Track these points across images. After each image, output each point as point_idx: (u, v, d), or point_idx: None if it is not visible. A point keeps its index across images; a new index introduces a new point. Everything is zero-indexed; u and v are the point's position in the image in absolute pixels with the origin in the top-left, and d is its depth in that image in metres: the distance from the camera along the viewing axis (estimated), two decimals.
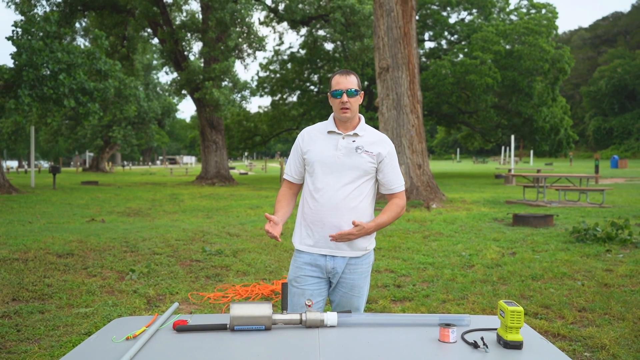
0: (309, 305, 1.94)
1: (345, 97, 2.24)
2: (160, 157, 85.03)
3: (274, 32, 28.33)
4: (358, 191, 2.27)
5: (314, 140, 2.33)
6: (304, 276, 2.32)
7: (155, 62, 42.04)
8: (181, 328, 1.84)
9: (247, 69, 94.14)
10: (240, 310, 1.84)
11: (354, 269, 2.32)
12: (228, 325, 1.84)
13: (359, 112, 2.36)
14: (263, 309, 1.85)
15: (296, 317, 1.89)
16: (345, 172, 2.25)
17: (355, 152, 2.26)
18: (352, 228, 2.18)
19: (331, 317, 1.88)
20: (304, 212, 2.35)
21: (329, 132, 2.31)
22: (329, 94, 2.31)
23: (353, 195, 2.26)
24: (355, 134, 2.29)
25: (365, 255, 2.35)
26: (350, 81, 2.25)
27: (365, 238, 2.30)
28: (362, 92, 2.31)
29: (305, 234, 2.33)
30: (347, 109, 2.25)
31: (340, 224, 2.24)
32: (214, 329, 1.86)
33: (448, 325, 1.76)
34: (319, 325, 1.88)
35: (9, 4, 21.12)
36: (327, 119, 2.39)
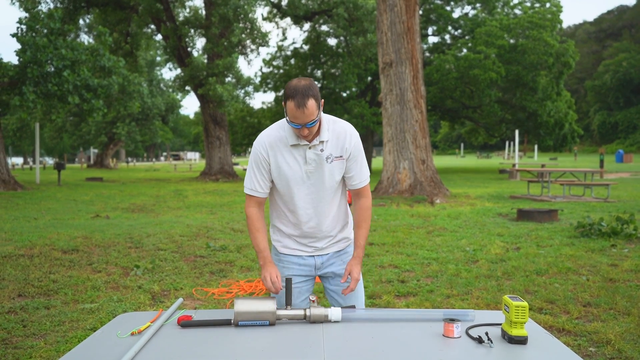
0: (313, 301, 1.94)
1: (305, 131, 1.99)
2: (164, 153, 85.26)
3: (277, 28, 28.28)
4: (335, 197, 2.21)
5: (279, 153, 2.10)
6: (290, 265, 2.28)
7: (158, 58, 42.06)
8: (186, 323, 1.85)
9: (250, 65, 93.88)
10: (245, 305, 1.84)
11: (345, 258, 2.30)
12: (232, 321, 1.85)
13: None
14: (267, 305, 1.85)
15: (300, 312, 1.89)
16: (319, 186, 2.13)
17: (326, 163, 2.10)
18: (351, 283, 2.13)
19: (335, 313, 1.88)
20: (282, 224, 2.25)
21: (293, 145, 2.08)
22: (285, 110, 1.99)
23: (332, 203, 2.21)
24: (321, 142, 2.08)
25: (350, 244, 2.33)
26: (308, 114, 1.93)
27: (344, 230, 2.29)
28: (322, 100, 2.04)
29: (290, 241, 2.27)
30: (307, 136, 2.03)
31: (322, 231, 2.22)
32: (219, 324, 1.86)
33: (452, 320, 1.75)
34: (323, 320, 1.88)
35: (14, 1, 21.15)
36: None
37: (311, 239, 2.23)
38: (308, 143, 2.07)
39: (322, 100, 2.04)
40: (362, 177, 2.19)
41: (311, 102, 1.92)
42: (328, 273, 2.28)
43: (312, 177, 2.12)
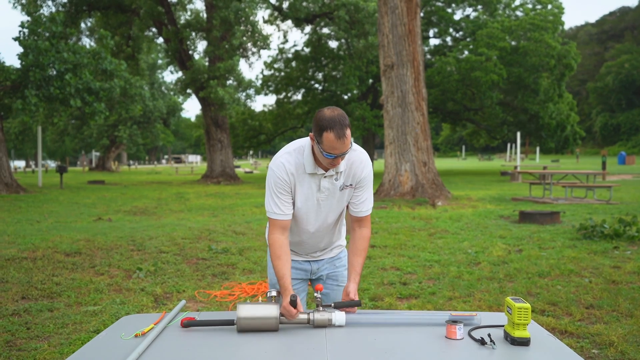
0: (319, 290, 1.97)
1: (339, 160, 2.00)
2: (166, 156, 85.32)
3: (278, 31, 28.39)
4: (339, 218, 2.29)
5: (298, 180, 2.10)
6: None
7: (160, 61, 42.18)
8: (189, 323, 1.85)
9: (251, 68, 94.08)
10: (247, 311, 1.84)
11: (339, 263, 2.41)
12: (235, 323, 1.85)
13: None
14: (270, 310, 1.85)
15: (304, 317, 1.89)
16: (328, 213, 2.19)
17: (339, 191, 2.15)
18: (352, 300, 2.08)
19: (339, 317, 1.88)
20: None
21: (310, 173, 2.09)
22: (314, 141, 1.98)
23: (335, 225, 2.30)
24: (338, 172, 2.11)
25: (342, 249, 2.45)
26: (347, 143, 1.93)
27: (339, 239, 2.39)
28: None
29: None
30: (338, 165, 2.05)
31: (320, 245, 2.32)
32: (222, 324, 1.87)
33: (455, 322, 1.76)
34: (327, 325, 1.88)
35: (16, 4, 21.25)
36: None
37: (306, 249, 2.33)
38: (324, 172, 2.07)
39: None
40: (367, 205, 2.22)
41: (348, 132, 1.93)
42: (321, 276, 2.39)
43: (322, 205, 2.16)
